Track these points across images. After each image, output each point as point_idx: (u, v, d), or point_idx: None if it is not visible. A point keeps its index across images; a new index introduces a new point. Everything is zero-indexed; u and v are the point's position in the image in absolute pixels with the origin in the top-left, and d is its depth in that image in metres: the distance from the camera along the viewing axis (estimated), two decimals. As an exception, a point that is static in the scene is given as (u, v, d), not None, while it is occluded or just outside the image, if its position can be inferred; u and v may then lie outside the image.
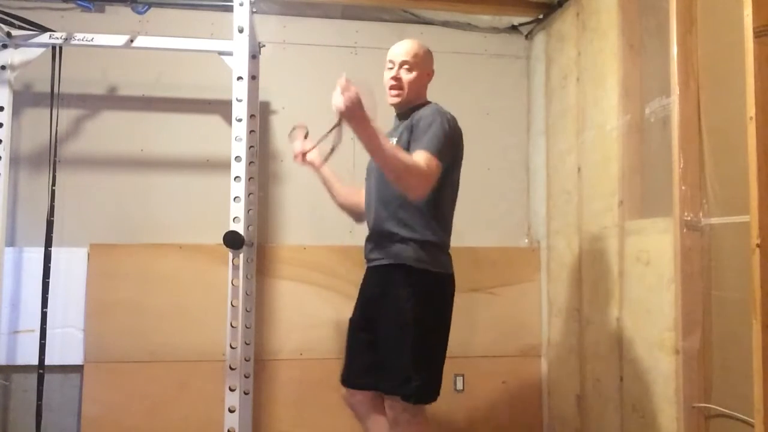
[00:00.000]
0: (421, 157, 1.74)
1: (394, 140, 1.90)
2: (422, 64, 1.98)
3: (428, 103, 2.01)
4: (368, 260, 2.00)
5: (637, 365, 2.13)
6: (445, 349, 1.90)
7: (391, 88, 1.97)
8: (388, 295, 1.86)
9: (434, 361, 1.86)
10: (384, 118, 2.21)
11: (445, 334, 1.90)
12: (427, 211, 1.85)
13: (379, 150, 1.66)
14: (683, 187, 1.87)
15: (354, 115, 1.62)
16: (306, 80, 2.98)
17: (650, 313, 2.05)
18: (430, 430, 1.90)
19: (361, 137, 1.66)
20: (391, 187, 1.80)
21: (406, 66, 1.95)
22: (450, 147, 1.85)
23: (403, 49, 1.97)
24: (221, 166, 2.71)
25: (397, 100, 1.97)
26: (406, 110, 1.99)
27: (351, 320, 2.07)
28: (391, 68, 1.97)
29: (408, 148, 1.81)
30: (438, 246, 1.90)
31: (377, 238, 1.93)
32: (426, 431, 1.86)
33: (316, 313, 2.81)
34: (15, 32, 2.49)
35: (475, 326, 2.93)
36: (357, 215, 2.18)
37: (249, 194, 2.44)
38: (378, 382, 1.89)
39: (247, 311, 2.64)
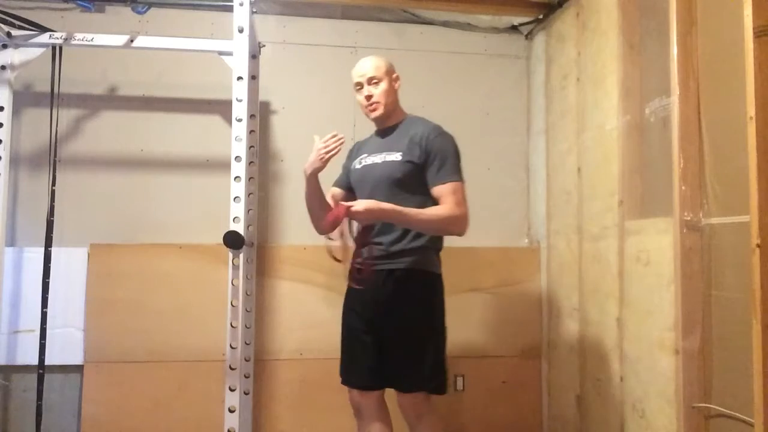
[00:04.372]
0: (450, 192, 1.92)
1: (398, 155, 1.99)
2: (387, 73, 2.06)
3: (406, 114, 2.13)
4: (373, 265, 1.99)
5: (637, 365, 2.13)
6: None
7: (368, 106, 2.05)
8: (409, 298, 1.96)
9: (445, 355, 2.02)
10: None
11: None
12: None
13: (416, 223, 1.89)
14: (683, 187, 1.87)
15: (376, 216, 1.85)
16: (306, 80, 2.98)
17: (650, 313, 2.05)
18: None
19: (394, 222, 1.90)
20: (401, 201, 1.91)
21: (374, 81, 2.03)
22: (460, 160, 2.01)
23: (365, 66, 2.05)
24: (221, 166, 2.71)
25: (378, 114, 2.06)
26: (390, 124, 2.09)
27: (349, 324, 2.08)
28: (360, 88, 2.05)
29: (421, 166, 1.95)
30: (437, 250, 2.06)
31: (388, 244, 1.98)
32: (440, 418, 2.06)
33: (316, 313, 2.81)
34: (15, 32, 2.49)
35: (475, 326, 2.93)
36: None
37: (249, 194, 2.44)
38: (397, 381, 1.97)
39: (247, 311, 2.64)
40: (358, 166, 2.11)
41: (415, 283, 1.97)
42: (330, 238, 2.05)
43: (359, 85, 2.05)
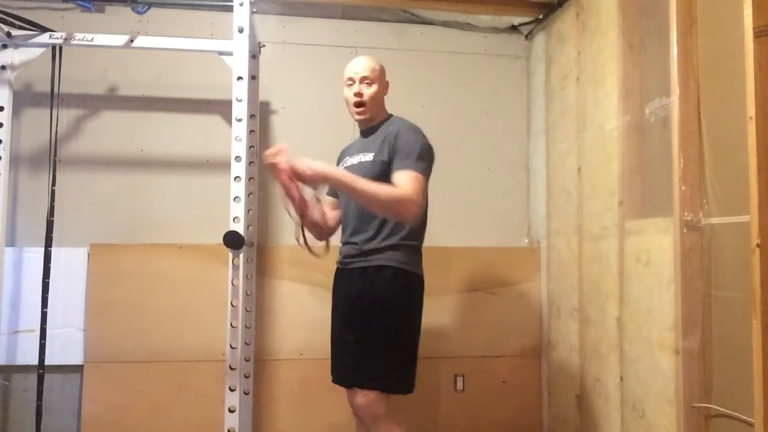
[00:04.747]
0: (407, 178, 1.84)
1: (371, 156, 1.99)
2: (380, 77, 2.06)
3: (391, 115, 2.12)
4: (349, 262, 2.04)
5: (637, 365, 2.13)
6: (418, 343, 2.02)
7: (356, 105, 2.04)
8: (378, 295, 1.94)
9: (414, 355, 1.98)
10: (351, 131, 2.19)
11: (419, 330, 2.02)
12: None
13: (364, 194, 1.79)
14: (683, 187, 1.87)
15: (321, 176, 1.78)
16: (306, 80, 2.98)
17: (650, 313, 2.05)
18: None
19: (339, 188, 1.85)
20: None
21: (366, 81, 2.03)
22: (429, 161, 1.96)
23: (361, 65, 2.04)
24: (221, 166, 2.71)
25: (363, 116, 2.06)
26: (372, 125, 2.08)
27: (334, 323, 2.12)
28: (351, 84, 2.04)
29: (389, 163, 1.92)
30: (415, 249, 2.02)
31: (362, 242, 1.99)
32: (400, 424, 1.95)
33: (316, 313, 2.80)
34: (15, 32, 2.49)
35: (475, 326, 2.93)
36: (325, 233, 2.17)
37: (249, 194, 2.44)
38: (363, 378, 1.92)
39: (247, 311, 2.64)
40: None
41: (386, 280, 1.93)
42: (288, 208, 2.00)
43: (351, 81, 2.04)
